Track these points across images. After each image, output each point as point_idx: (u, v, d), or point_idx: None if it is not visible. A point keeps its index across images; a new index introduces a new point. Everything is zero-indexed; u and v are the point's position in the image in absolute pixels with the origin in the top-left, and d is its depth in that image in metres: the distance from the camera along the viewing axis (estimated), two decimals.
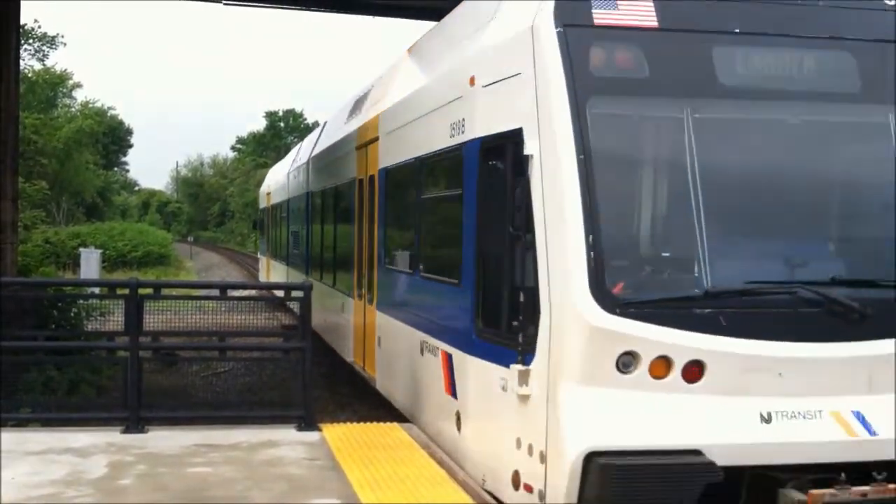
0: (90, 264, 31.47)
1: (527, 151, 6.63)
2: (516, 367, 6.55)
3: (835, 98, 6.95)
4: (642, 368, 6.18)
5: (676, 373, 6.22)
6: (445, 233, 8.78)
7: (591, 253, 6.13)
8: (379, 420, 10.92)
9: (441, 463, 7.55)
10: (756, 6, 6.91)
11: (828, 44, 6.93)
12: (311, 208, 18.45)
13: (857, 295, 6.43)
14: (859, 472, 6.20)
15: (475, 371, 7.48)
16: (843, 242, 7.07)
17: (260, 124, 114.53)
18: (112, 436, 8.18)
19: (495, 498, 6.88)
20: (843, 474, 6.12)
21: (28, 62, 49.43)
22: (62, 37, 61.73)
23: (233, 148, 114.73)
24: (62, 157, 54.78)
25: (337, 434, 8.47)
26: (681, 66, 6.69)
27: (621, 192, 6.62)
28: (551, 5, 6.59)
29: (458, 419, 7.84)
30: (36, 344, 9.77)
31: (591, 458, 5.96)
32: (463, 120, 8.02)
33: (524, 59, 6.77)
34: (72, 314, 15.82)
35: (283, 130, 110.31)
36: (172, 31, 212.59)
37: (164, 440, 8.06)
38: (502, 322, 7.07)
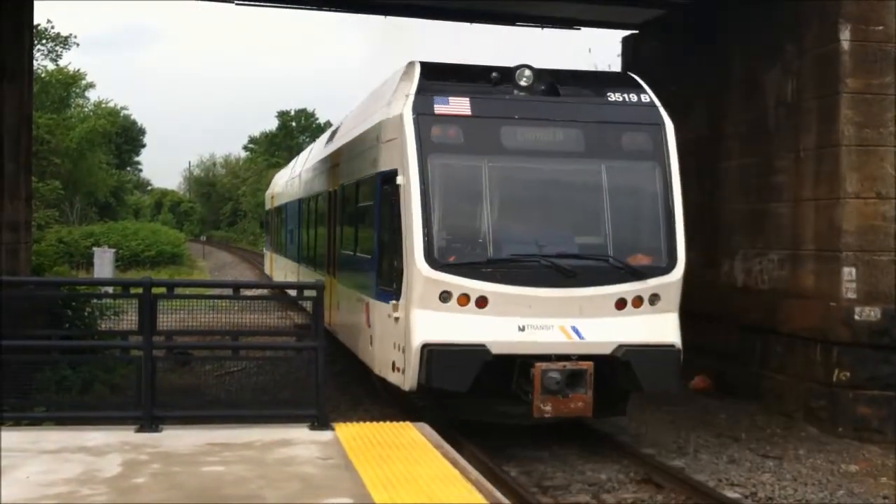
0: (104, 263, 31.58)
1: (398, 182, 11.67)
2: (392, 303, 11.77)
3: (570, 155, 12.23)
4: (453, 300, 11.21)
5: (472, 303, 11.26)
6: (376, 231, 13.18)
7: (426, 239, 11.21)
8: (391, 419, 10.92)
9: (454, 462, 7.55)
10: (527, 103, 12.12)
11: (567, 124, 12.17)
12: (301, 212, 24.20)
13: (571, 263, 11.56)
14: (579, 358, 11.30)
15: (377, 309, 12.68)
16: (570, 236, 12.24)
17: (272, 124, 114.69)
18: (126, 435, 8.22)
19: (386, 381, 12.55)
20: (553, 356, 11.22)
21: (41, 62, 49.66)
22: (75, 37, 61.66)
23: (245, 148, 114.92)
24: (75, 157, 54.99)
25: (350, 433, 8.48)
26: (482, 136, 11.83)
27: (445, 206, 11.61)
28: (412, 101, 11.74)
29: (371, 339, 13.19)
30: (50, 343, 9.81)
31: (425, 346, 11.02)
32: (375, 160, 13.20)
33: (398, 131, 11.82)
34: (85, 313, 15.88)
35: (294, 130, 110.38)
36: (184, 30, 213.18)
37: (177, 439, 8.09)
38: (388, 279, 12.24)
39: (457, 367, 10.94)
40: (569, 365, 11.14)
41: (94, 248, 36.16)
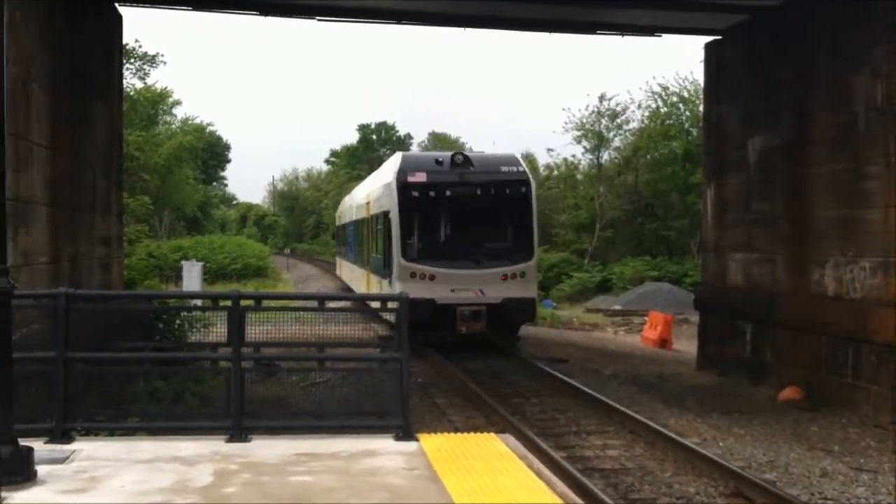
0: (192, 276, 32.29)
1: (390, 217, 22.74)
2: (386, 280, 23.45)
3: (478, 198, 22.60)
4: (417, 277, 21.76)
5: (427, 278, 21.74)
6: (383, 242, 24.20)
7: (404, 246, 22.21)
8: (475, 430, 10.90)
9: (539, 474, 7.50)
10: (455, 172, 22.74)
11: (477, 182, 22.70)
12: (350, 231, 36.93)
13: (477, 256, 22.40)
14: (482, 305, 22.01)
15: (376, 281, 25.87)
16: (478, 242, 22.73)
17: (353, 137, 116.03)
18: (217, 445, 8.37)
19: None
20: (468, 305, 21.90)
21: (129, 81, 51.07)
22: (162, 55, 63.32)
23: (327, 161, 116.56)
24: (163, 173, 56.33)
25: (434, 444, 8.50)
26: (431, 191, 22.45)
27: (412, 229, 22.48)
28: (395, 175, 22.78)
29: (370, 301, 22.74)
30: (143, 355, 10.05)
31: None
32: (381, 204, 24.61)
33: (390, 190, 23.06)
34: (175, 326, 16.24)
35: (375, 143, 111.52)
36: (267, 46, 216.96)
37: (266, 449, 8.21)
38: (384, 266, 23.72)
39: (418, 310, 18.68)
40: (474, 307, 21.86)
41: (183, 262, 36.96)
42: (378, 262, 25.67)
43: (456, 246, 22.57)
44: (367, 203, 29.10)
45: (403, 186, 22.47)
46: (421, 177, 22.66)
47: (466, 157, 23.58)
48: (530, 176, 23.68)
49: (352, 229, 36.04)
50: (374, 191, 27.87)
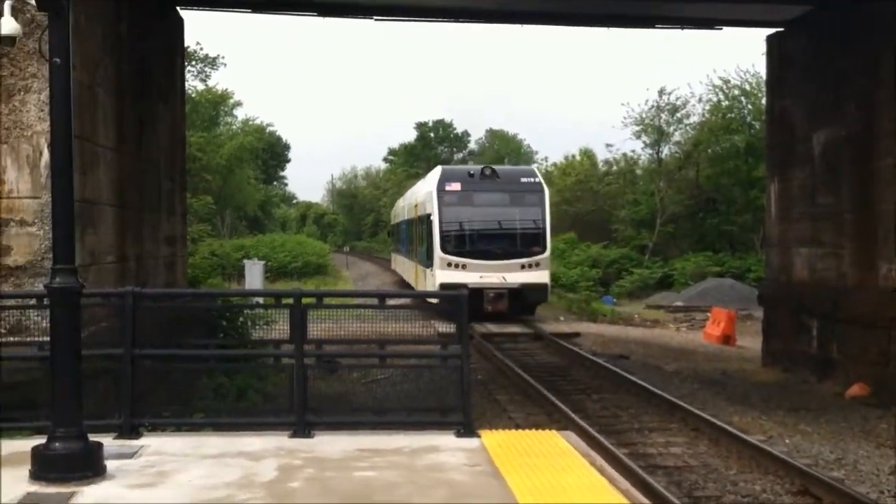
0: (254, 275, 32.73)
1: (431, 218, 29.30)
2: (429, 269, 29.58)
3: (502, 203, 29.45)
4: (452, 266, 28.28)
5: (460, 267, 28.18)
6: (426, 238, 30.53)
7: (442, 241, 28.61)
8: (536, 427, 10.87)
9: (602, 471, 7.46)
10: (484, 182, 29.82)
11: (501, 190, 29.59)
12: (402, 229, 43.55)
13: (501, 250, 28.79)
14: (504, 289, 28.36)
15: (421, 270, 32.28)
16: (503, 238, 29.38)
17: (410, 135, 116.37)
18: (280, 440, 8.46)
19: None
20: (493, 288, 28.12)
21: (191, 83, 51.84)
22: (222, 57, 64.11)
23: (385, 159, 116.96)
24: (225, 173, 57.16)
25: (496, 441, 8.49)
26: (465, 198, 29.38)
27: (449, 228, 29.06)
28: (436, 185, 29.69)
29: (416, 282, 33.91)
30: (208, 352, 10.21)
31: (441, 285, 27.77)
32: (424, 207, 31.73)
33: (431, 197, 29.79)
34: (238, 323, 16.45)
35: (433, 141, 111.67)
36: (324, 46, 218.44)
37: (329, 444, 8.28)
38: (427, 258, 30.17)
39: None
40: (498, 291, 27.55)
41: (245, 261, 37.48)
42: (423, 255, 32.01)
43: (483, 241, 29.28)
44: (415, 206, 35.96)
45: (442, 193, 29.32)
46: (456, 186, 29.55)
47: (493, 170, 30.61)
48: (544, 185, 30.83)
49: (403, 228, 42.72)
50: (419, 197, 35.19)
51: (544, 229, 29.22)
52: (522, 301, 28.39)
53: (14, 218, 10.91)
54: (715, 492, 10.92)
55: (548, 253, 29.11)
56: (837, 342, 18.12)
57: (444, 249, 28.50)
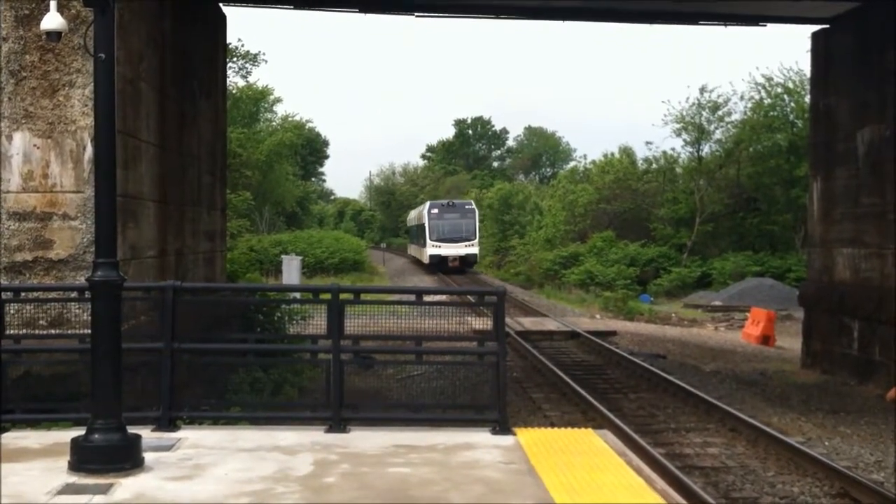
0: (291, 270, 32.84)
1: (424, 225, 62.81)
2: (424, 248, 62.89)
3: (457, 217, 62.86)
4: (436, 247, 61.08)
5: (439, 248, 60.84)
6: (420, 235, 66.79)
7: (432, 235, 61.19)
8: (572, 426, 10.82)
9: (639, 471, 7.41)
10: (450, 208, 63.68)
11: (457, 211, 62.96)
12: (412, 230, 76.71)
13: (456, 239, 61.29)
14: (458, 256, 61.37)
15: (418, 250, 68.02)
16: (457, 235, 61.43)
17: (449, 132, 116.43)
18: (316, 435, 8.50)
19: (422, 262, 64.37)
20: (452, 256, 61.64)
21: (232, 79, 52.16)
22: (263, 54, 64.58)
23: (423, 156, 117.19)
24: (264, 169, 57.52)
25: (531, 438, 8.47)
26: (439, 216, 62.38)
27: (433, 232, 61.56)
28: (427, 210, 63.53)
29: (420, 256, 66.45)
30: (245, 346, 10.29)
31: (430, 256, 62.71)
32: (421, 218, 66.21)
33: (425, 217, 63.26)
34: (275, 318, 16.53)
35: (471, 138, 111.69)
36: (363, 43, 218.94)
37: (364, 440, 8.31)
38: (420, 244, 65.96)
39: (438, 260, 59.22)
40: (454, 257, 60.03)
41: (283, 256, 37.67)
42: (422, 243, 62.63)
43: (448, 235, 59.85)
44: (417, 217, 68.31)
45: (429, 214, 61.05)
46: (435, 210, 61.59)
47: (453, 203, 64.03)
48: (476, 208, 63.57)
49: (413, 230, 73.56)
50: (420, 214, 66.48)
51: (475, 230, 61.32)
52: (464, 262, 59.41)
53: (57, 212, 11.05)
54: (752, 493, 10.81)
55: (477, 240, 61.59)
56: (880, 344, 17.87)
57: (431, 239, 59.96)
